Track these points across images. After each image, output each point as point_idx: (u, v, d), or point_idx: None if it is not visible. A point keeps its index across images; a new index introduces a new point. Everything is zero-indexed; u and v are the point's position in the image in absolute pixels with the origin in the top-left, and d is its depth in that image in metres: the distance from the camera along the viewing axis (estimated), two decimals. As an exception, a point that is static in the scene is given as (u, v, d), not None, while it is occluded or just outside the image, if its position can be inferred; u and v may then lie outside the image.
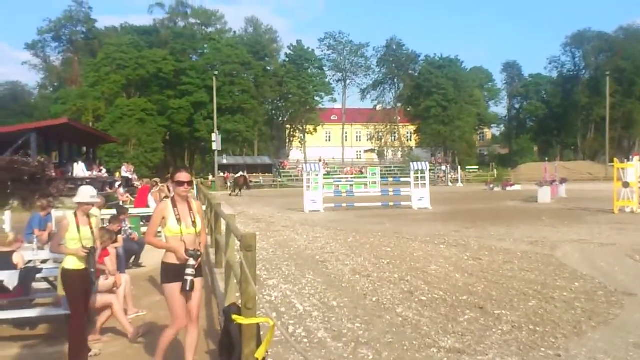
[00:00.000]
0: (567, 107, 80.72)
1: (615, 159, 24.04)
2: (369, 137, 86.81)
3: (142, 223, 14.29)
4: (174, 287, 4.90)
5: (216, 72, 60.68)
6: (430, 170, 30.58)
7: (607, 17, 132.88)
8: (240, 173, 44.73)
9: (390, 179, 44.10)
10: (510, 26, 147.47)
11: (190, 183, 5.15)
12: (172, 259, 4.92)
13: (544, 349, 5.70)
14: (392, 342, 6.00)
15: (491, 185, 44.67)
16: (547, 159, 51.57)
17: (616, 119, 72.11)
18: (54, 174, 23.21)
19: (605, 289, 8.32)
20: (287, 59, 76.31)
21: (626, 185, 21.06)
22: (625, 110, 73.31)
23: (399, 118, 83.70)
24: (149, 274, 10.29)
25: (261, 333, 4.69)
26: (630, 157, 25.85)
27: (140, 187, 21.92)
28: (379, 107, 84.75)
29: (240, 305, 4.77)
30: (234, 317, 4.58)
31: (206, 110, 64.90)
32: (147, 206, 15.83)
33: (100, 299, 6.75)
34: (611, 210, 21.01)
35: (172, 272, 4.92)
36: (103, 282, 7.56)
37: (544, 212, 22.04)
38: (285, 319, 6.90)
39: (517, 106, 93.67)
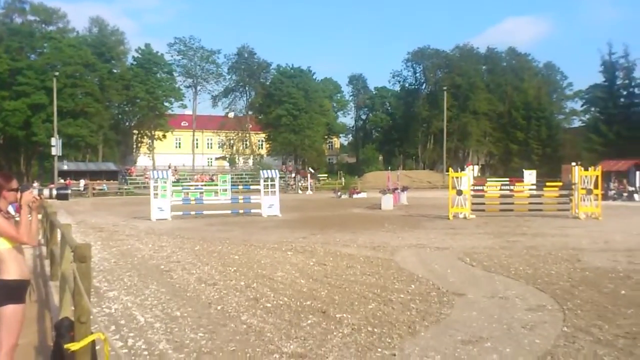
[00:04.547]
0: (409, 119, 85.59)
1: (450, 169, 25.80)
2: (220, 144, 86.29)
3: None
4: (19, 309, 4.29)
5: (57, 73, 57.02)
6: (280, 178, 30.98)
7: (445, 36, 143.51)
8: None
9: (241, 187, 43.96)
10: (357, 40, 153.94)
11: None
12: (14, 274, 4.26)
13: (381, 350, 5.94)
14: (235, 350, 5.97)
15: (339, 193, 46.09)
16: (390, 167, 54.12)
17: (452, 132, 77.65)
18: None
19: (438, 290, 8.86)
20: (135, 62, 73.64)
21: (460, 193, 22.63)
22: (460, 124, 79.02)
23: (251, 126, 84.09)
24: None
25: (97, 348, 4.48)
26: (465, 166, 27.92)
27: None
28: (230, 115, 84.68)
29: (73, 319, 4.51)
30: (66, 346, 4.28)
31: (45, 113, 60.68)
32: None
33: None
34: (447, 217, 22.51)
35: (14, 290, 4.27)
36: None
37: (386, 218, 23.13)
38: (125, 332, 6.62)
39: (363, 117, 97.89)
